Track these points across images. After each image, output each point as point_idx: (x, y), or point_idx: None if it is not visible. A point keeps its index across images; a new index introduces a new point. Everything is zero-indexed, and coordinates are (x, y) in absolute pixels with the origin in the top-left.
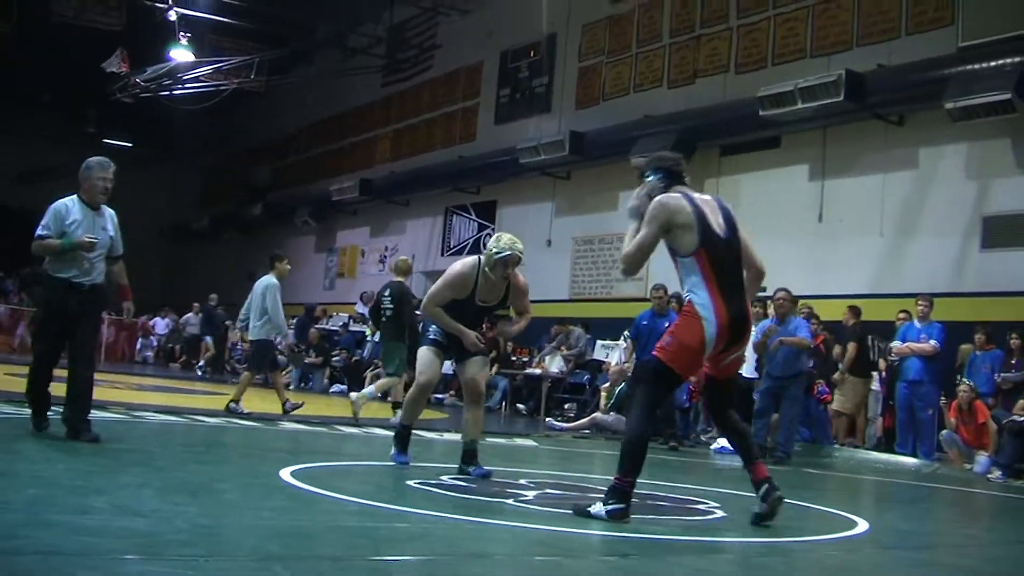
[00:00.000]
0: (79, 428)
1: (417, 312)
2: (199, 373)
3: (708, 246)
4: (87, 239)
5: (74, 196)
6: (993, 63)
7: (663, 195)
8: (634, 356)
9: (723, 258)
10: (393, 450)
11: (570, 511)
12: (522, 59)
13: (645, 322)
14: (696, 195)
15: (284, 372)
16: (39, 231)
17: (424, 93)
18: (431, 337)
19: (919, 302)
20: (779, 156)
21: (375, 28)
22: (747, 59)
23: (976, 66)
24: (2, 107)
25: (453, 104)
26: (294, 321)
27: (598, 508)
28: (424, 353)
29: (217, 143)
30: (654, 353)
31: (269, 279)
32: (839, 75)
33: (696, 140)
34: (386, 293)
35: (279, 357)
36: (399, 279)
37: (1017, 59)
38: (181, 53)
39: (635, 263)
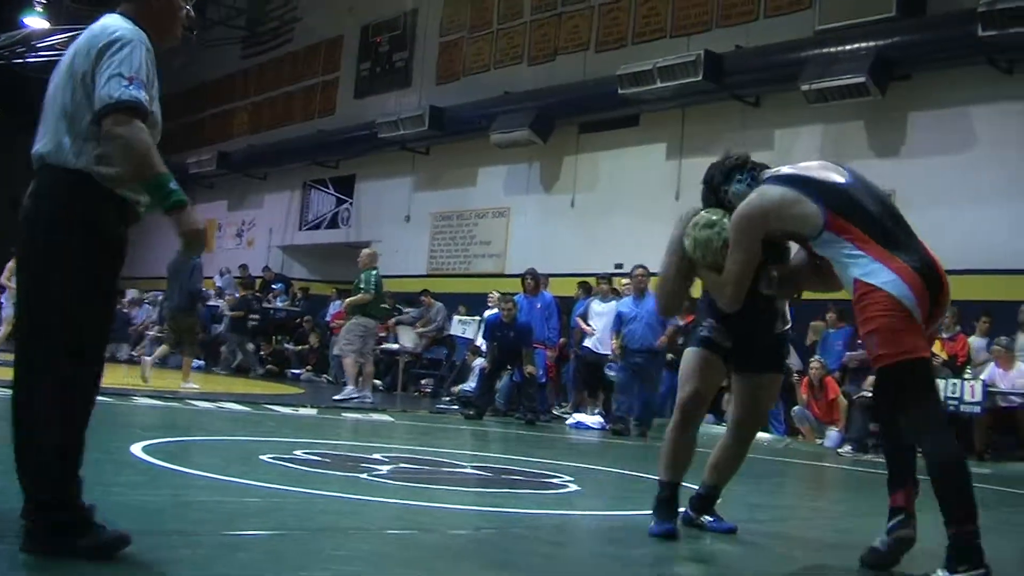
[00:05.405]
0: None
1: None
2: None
3: (832, 203)
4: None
5: (133, 25)
6: (849, 47)
7: (745, 201)
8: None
9: (865, 208)
10: (653, 522)
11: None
12: (383, 33)
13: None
14: (784, 169)
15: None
16: (132, 91)
17: (284, 66)
18: (701, 334)
19: None
20: (638, 134)
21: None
22: (607, 38)
23: (832, 49)
24: None
25: (313, 77)
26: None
27: None
28: (687, 357)
29: None
30: (881, 363)
31: None
32: (698, 55)
33: (555, 117)
34: None
35: None
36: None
37: (872, 43)
38: (36, 20)
39: (740, 294)
